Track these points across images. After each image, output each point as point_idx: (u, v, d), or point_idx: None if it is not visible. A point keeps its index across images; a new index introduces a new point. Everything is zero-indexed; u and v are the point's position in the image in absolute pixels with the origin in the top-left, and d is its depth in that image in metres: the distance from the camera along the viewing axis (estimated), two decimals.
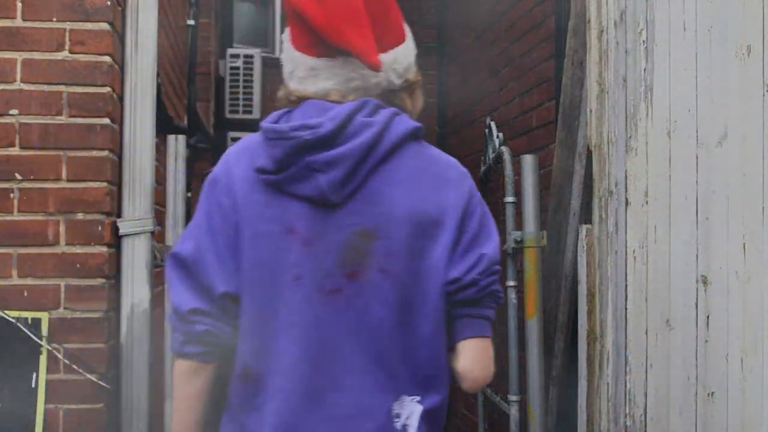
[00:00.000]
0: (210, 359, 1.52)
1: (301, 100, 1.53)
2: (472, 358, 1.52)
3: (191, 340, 1.51)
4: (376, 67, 1.49)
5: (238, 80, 7.34)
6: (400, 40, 1.58)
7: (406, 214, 1.47)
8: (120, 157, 2.45)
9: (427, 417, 1.49)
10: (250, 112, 7.39)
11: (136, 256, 2.44)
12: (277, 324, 1.47)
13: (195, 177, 5.74)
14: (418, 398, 1.49)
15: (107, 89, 2.37)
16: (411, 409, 1.49)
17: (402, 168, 1.50)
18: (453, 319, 1.53)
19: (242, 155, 1.52)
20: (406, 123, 1.52)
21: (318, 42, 1.51)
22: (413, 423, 1.48)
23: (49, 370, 2.32)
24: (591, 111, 2.44)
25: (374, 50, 1.49)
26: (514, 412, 2.70)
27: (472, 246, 1.51)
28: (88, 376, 2.33)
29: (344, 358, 1.45)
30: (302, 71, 1.55)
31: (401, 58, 1.57)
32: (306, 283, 1.46)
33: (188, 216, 4.43)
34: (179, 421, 1.57)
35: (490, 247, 1.52)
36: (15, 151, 2.33)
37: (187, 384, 1.55)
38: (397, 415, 1.48)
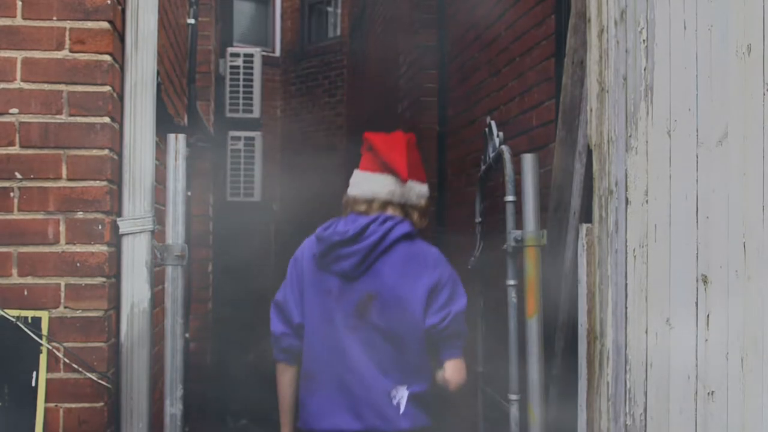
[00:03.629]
0: (292, 362, 2.66)
1: (348, 211, 2.63)
2: (452, 370, 2.60)
3: (281, 351, 2.65)
4: (404, 180, 2.62)
5: (238, 79, 7.34)
6: (422, 180, 2.70)
7: (394, 285, 2.53)
8: (120, 156, 2.45)
9: (413, 398, 2.53)
10: (251, 111, 7.39)
11: (136, 255, 2.44)
12: (321, 345, 2.55)
13: (195, 176, 5.75)
14: (406, 386, 2.53)
15: (107, 88, 2.37)
16: (402, 393, 2.52)
17: (396, 257, 2.54)
18: (437, 347, 2.58)
19: (308, 245, 2.65)
20: (401, 229, 2.56)
21: (375, 163, 2.65)
22: (403, 401, 2.51)
23: (49, 369, 2.32)
24: (591, 110, 2.44)
25: (406, 171, 2.61)
26: (514, 411, 2.70)
27: (444, 306, 2.54)
28: (88, 375, 2.33)
29: (359, 364, 2.51)
30: (359, 181, 2.66)
31: (419, 187, 2.68)
32: (336, 322, 2.54)
33: (188, 215, 4.43)
34: (283, 397, 2.68)
35: (456, 307, 2.56)
36: (15, 150, 2.34)
37: (282, 375, 2.68)
38: (394, 396, 2.51)
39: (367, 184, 2.63)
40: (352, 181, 2.68)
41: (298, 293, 2.60)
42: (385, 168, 2.62)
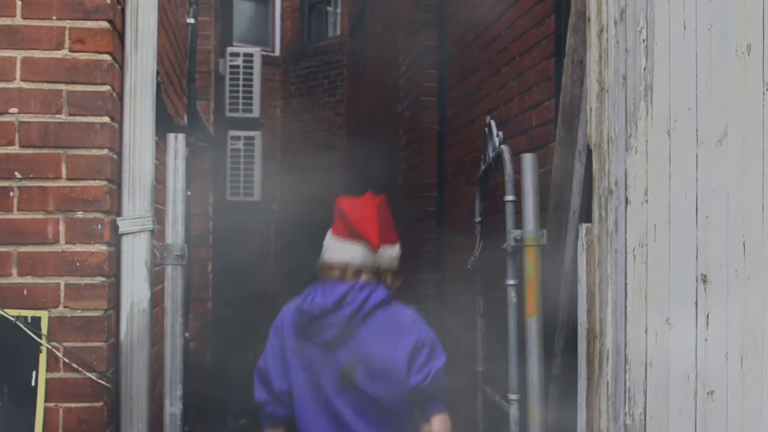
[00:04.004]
0: (277, 427, 2.76)
1: (326, 276, 2.70)
2: (439, 424, 2.68)
3: (265, 418, 2.75)
4: (375, 249, 2.69)
5: (237, 78, 7.34)
6: (394, 243, 2.78)
7: (376, 351, 2.62)
8: (120, 155, 2.45)
9: None
10: (251, 111, 7.39)
11: (135, 254, 2.44)
12: (313, 409, 2.67)
13: (195, 176, 5.74)
14: None
15: (107, 88, 2.37)
16: None
17: (375, 323, 2.63)
18: (421, 404, 2.68)
19: (288, 313, 2.74)
20: (378, 295, 2.65)
21: (348, 231, 2.70)
22: None
23: (48, 369, 2.32)
24: (591, 109, 2.44)
25: (377, 240, 2.69)
26: (514, 411, 2.70)
27: (425, 365, 2.63)
28: (88, 374, 2.33)
29: (351, 422, 2.64)
30: (333, 247, 2.72)
31: (391, 251, 2.75)
32: (323, 387, 2.64)
33: (188, 215, 4.43)
34: None
35: (437, 364, 2.65)
36: (15, 149, 2.34)
37: None
38: None
39: (340, 252, 2.71)
40: (326, 244, 2.76)
41: (280, 362, 2.70)
42: (357, 236, 2.69)
